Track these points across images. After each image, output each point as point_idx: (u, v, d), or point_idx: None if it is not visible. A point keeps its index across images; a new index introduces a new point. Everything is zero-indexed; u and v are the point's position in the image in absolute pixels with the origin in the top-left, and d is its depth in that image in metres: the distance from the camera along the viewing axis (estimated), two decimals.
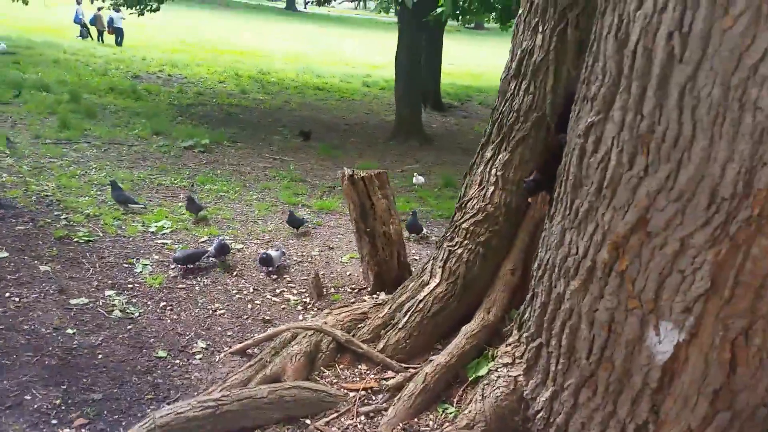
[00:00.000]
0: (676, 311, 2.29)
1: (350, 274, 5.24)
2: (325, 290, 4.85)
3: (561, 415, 2.85)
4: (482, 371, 3.34)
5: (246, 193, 7.24)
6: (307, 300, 4.67)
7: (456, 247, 3.71)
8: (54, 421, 2.96)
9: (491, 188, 3.71)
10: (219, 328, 4.12)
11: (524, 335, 3.10)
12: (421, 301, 3.63)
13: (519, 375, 3.08)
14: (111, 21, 21.54)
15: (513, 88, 3.73)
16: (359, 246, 4.91)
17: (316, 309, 4.49)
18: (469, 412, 3.09)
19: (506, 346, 3.28)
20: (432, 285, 3.67)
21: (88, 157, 7.79)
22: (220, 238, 5.22)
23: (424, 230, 6.32)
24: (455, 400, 3.29)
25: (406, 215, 6.41)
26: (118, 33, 22.07)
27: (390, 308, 3.73)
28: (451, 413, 3.19)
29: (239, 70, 19.07)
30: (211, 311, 4.33)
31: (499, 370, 3.18)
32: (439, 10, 7.88)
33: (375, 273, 4.76)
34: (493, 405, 3.05)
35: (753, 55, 1.83)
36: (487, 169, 3.76)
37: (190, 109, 12.68)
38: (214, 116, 12.41)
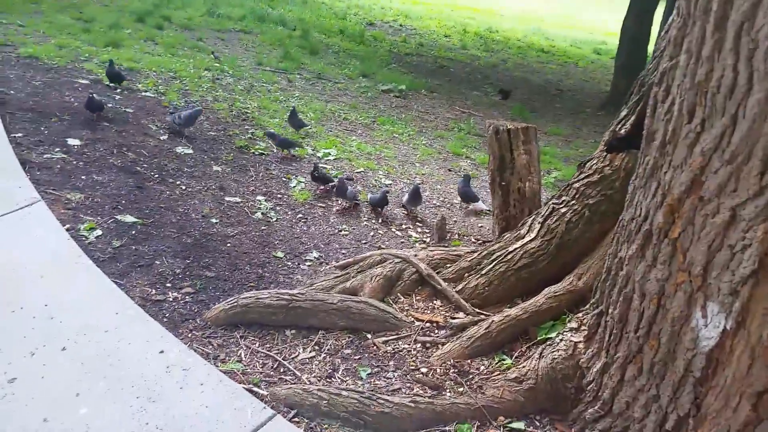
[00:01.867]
0: (724, 292, 2.02)
1: (482, 227, 5.24)
2: (449, 235, 4.94)
3: (608, 389, 2.68)
4: (553, 334, 3.21)
5: (417, 138, 7.49)
6: (428, 240, 4.81)
7: (561, 206, 3.54)
8: (168, 285, 3.55)
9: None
10: (337, 246, 4.47)
11: (591, 301, 2.92)
12: (510, 252, 3.56)
13: (580, 341, 2.93)
14: None
15: (663, 45, 3.37)
16: (492, 199, 4.87)
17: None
18: (523, 367, 3.03)
19: (580, 312, 3.11)
20: (527, 239, 3.57)
21: (295, 87, 8.67)
22: (384, 189, 5.28)
23: (480, 201, 5.48)
24: (516, 354, 3.22)
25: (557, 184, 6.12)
26: None
27: (480, 254, 3.72)
28: (506, 364, 3.14)
29: (468, 26, 19.18)
30: (337, 230, 4.70)
31: (564, 333, 3.05)
32: None
33: (501, 228, 4.68)
34: (548, 366, 2.95)
35: None
36: (616, 129, 3.48)
37: (405, 58, 13.20)
38: (426, 66, 12.77)
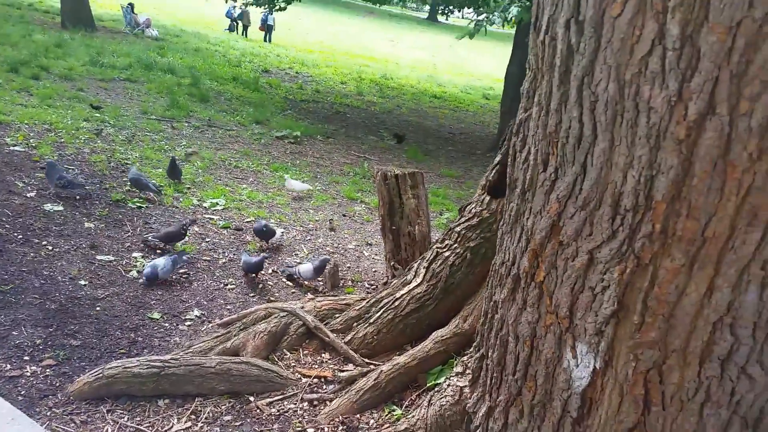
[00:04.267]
0: (590, 332, 2.04)
1: (376, 271, 5.20)
2: (342, 282, 4.84)
3: None
4: (441, 379, 3.17)
5: (312, 183, 7.42)
6: (320, 288, 4.69)
7: (444, 250, 3.55)
8: (26, 358, 3.20)
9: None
10: (222, 301, 4.25)
11: (474, 344, 2.91)
12: (397, 299, 3.51)
13: (465, 386, 2.90)
14: (265, 18, 23.07)
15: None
16: (384, 244, 4.85)
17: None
18: (412, 417, 2.96)
19: (465, 355, 3.10)
20: (413, 284, 3.55)
21: (182, 135, 8.39)
22: (263, 255, 4.87)
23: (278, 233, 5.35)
24: (406, 403, 3.15)
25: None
26: (269, 30, 23.65)
27: (368, 302, 3.65)
28: (396, 415, 3.05)
29: (363, 73, 19.64)
30: (222, 285, 4.48)
31: (451, 378, 3.01)
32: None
33: (393, 272, 4.67)
34: (437, 414, 2.90)
35: (642, 47, 1.59)
36: (490, 174, 3.56)
37: (301, 105, 13.23)
38: (322, 113, 12.84)
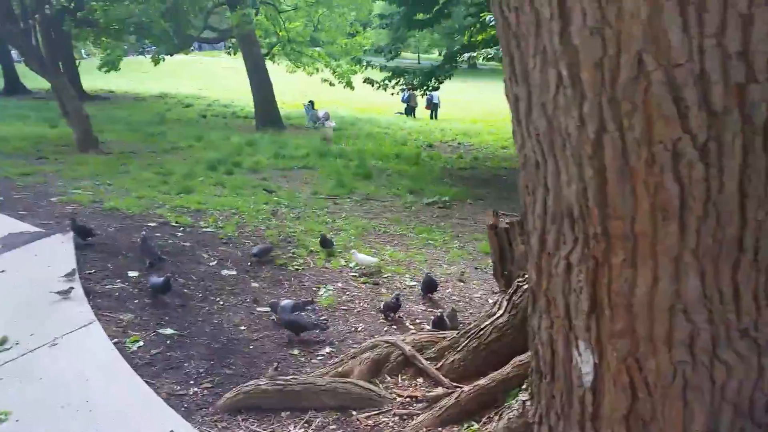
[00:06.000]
0: (583, 330, 2.36)
1: None
2: (462, 326, 5.28)
3: None
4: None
5: (451, 242, 8.00)
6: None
7: (524, 283, 3.91)
8: (191, 382, 4.14)
9: None
10: (351, 341, 4.94)
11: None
12: (482, 329, 3.92)
13: (528, 400, 3.21)
14: (430, 98, 24.84)
15: None
16: (498, 287, 5.24)
17: None
18: (486, 430, 3.32)
19: None
20: (496, 316, 3.93)
21: (343, 209, 9.54)
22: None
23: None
24: (483, 420, 3.50)
25: None
26: (434, 108, 25.45)
27: (458, 333, 4.09)
28: (473, 429, 3.43)
29: None
30: (353, 329, 5.19)
31: (520, 394, 3.34)
32: None
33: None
34: (504, 427, 3.23)
35: (552, 88, 2.02)
36: None
37: (457, 173, 14.01)
38: (477, 178, 13.48)
